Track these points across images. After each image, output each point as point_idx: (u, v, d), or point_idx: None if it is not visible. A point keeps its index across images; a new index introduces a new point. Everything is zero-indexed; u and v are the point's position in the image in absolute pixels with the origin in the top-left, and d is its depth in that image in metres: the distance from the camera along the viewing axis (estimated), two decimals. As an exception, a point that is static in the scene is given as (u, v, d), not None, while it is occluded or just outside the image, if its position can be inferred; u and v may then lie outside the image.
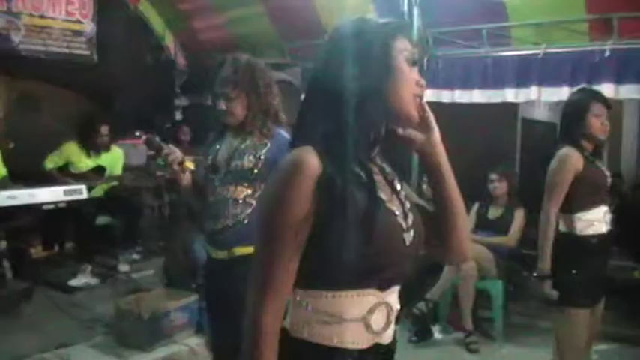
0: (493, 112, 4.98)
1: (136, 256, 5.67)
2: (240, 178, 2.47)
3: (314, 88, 1.34)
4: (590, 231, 2.83)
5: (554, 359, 2.88)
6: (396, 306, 1.34)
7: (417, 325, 4.65)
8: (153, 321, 3.56)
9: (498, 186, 4.84)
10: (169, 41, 6.83)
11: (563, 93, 4.47)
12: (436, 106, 5.10)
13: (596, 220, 2.83)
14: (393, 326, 1.35)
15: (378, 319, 1.29)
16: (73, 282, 4.80)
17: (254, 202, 2.46)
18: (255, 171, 2.46)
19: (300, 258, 1.24)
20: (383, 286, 1.29)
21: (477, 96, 4.96)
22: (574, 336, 2.81)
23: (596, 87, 4.38)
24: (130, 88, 6.31)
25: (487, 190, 4.91)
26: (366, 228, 1.21)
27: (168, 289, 3.89)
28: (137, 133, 5.78)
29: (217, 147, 2.54)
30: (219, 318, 2.62)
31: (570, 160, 2.80)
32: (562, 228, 2.89)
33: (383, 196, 1.29)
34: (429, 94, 5.20)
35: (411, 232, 1.31)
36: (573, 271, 2.82)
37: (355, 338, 1.28)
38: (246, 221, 2.45)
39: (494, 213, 4.89)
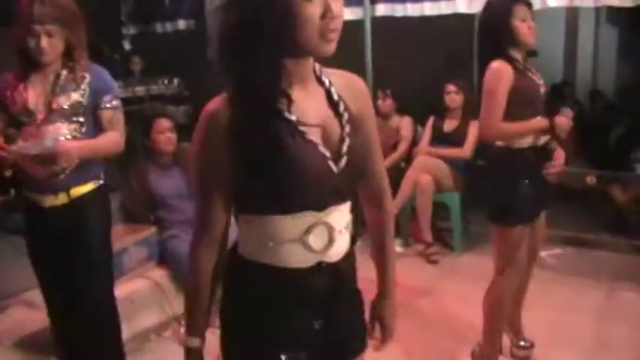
0: (449, 23, 4.90)
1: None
2: (69, 114, 2.46)
3: (220, 34, 1.31)
4: (525, 143, 2.73)
5: (496, 275, 2.88)
6: (340, 225, 1.38)
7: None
8: (113, 258, 3.54)
9: (455, 98, 4.83)
10: (113, -32, 6.55)
11: (515, 1, 4.40)
12: (391, 19, 5.09)
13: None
14: (339, 245, 1.38)
15: (317, 239, 1.34)
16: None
17: (85, 138, 2.49)
18: (84, 104, 2.49)
19: (233, 190, 1.33)
20: (319, 208, 1.33)
21: (429, 8, 4.86)
22: (512, 250, 2.79)
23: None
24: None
25: (443, 101, 4.90)
26: (278, 160, 1.26)
27: (127, 224, 3.86)
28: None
29: (21, 92, 2.46)
30: (61, 270, 2.62)
31: (502, 73, 2.64)
32: (498, 142, 2.80)
33: (303, 128, 1.30)
34: (382, 9, 5.13)
35: (343, 159, 1.33)
36: (513, 187, 2.73)
37: (295, 257, 1.34)
38: (78, 160, 2.45)
39: (449, 125, 4.90)
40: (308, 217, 1.32)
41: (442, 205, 4.80)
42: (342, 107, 1.37)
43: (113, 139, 2.58)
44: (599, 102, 7.05)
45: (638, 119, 6.20)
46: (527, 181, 2.74)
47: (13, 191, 5.29)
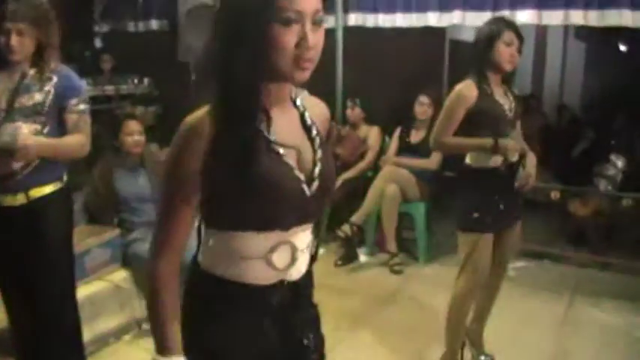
0: (420, 34, 4.96)
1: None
2: (30, 114, 2.44)
3: (205, 55, 1.39)
4: (490, 163, 2.83)
5: (458, 277, 2.98)
6: (303, 245, 1.41)
7: (344, 248, 4.77)
8: (75, 259, 3.49)
9: (427, 110, 4.86)
10: (85, -36, 6.46)
11: (486, 17, 4.39)
12: (362, 29, 5.12)
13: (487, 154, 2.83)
14: (300, 263, 1.41)
15: (281, 258, 1.36)
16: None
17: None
18: (46, 105, 2.46)
19: (202, 204, 1.32)
20: (285, 228, 1.35)
21: (400, 20, 4.92)
22: (472, 258, 2.89)
23: (519, 12, 4.44)
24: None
25: (412, 112, 4.94)
26: (255, 178, 1.26)
27: (90, 226, 3.82)
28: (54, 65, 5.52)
29: None
30: (19, 273, 2.59)
31: (462, 93, 2.79)
32: (467, 160, 2.93)
33: (281, 150, 1.32)
34: (354, 19, 5.17)
35: (315, 183, 1.35)
36: (468, 197, 2.89)
37: (258, 275, 1.36)
38: (38, 160, 2.45)
39: (416, 137, 4.94)
40: (274, 236, 1.34)
41: (407, 215, 4.84)
42: (314, 132, 1.41)
43: (77, 141, 2.55)
44: (566, 116, 7.19)
45: (601, 134, 6.34)
46: (496, 196, 2.86)
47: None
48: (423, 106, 4.87)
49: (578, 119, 7.18)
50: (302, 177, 1.33)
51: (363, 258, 4.86)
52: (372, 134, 5.15)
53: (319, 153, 1.39)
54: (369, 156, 5.09)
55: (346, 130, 5.18)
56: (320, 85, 5.73)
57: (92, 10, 6.62)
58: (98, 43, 6.81)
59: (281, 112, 1.36)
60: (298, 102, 1.42)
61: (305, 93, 1.54)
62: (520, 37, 2.83)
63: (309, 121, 1.41)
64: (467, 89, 2.80)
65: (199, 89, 1.34)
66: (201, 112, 1.29)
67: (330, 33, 5.06)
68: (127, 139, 3.81)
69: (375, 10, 5.05)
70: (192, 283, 1.43)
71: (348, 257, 4.76)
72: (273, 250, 1.34)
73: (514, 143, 2.84)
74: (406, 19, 4.88)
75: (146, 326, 3.61)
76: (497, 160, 2.83)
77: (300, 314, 1.46)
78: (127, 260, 3.76)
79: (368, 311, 3.95)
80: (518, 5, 4.44)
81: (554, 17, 4.39)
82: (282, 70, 1.25)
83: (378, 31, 5.10)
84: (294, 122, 1.40)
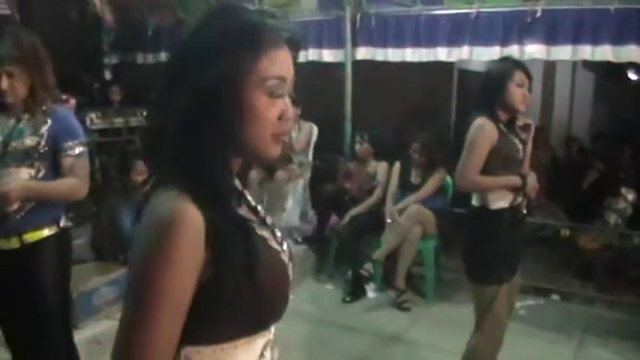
0: (429, 64, 4.98)
1: (67, 224, 5.53)
2: (23, 158, 2.39)
3: (171, 127, 1.06)
4: (503, 204, 2.78)
5: (475, 330, 2.89)
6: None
7: (351, 284, 4.74)
8: (82, 298, 3.50)
9: (418, 158, 4.87)
10: (95, -4, 6.52)
11: (494, 53, 4.50)
12: (369, 60, 5.14)
13: (508, 192, 2.79)
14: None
15: (267, 358, 1.18)
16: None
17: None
18: (40, 149, 2.41)
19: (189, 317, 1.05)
20: (268, 327, 1.17)
21: (410, 55, 4.95)
22: (493, 309, 2.79)
23: (527, 47, 4.45)
24: (54, 48, 5.96)
25: (408, 154, 4.94)
26: (260, 275, 1.06)
27: (97, 263, 3.83)
28: (64, 97, 5.55)
29: None
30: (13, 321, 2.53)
31: (486, 130, 2.72)
32: (475, 202, 2.86)
33: (264, 233, 1.15)
34: (363, 53, 5.20)
35: (291, 263, 1.20)
36: (488, 248, 2.76)
37: None
38: (33, 203, 2.40)
39: (415, 177, 4.94)
40: (260, 339, 1.14)
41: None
42: (262, 212, 1.25)
43: (70, 186, 2.48)
44: (574, 148, 7.16)
45: (611, 166, 6.30)
46: (503, 241, 2.76)
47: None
48: (415, 153, 4.89)
49: (586, 151, 7.14)
50: (286, 259, 1.17)
51: (371, 294, 4.82)
52: (380, 170, 5.13)
53: (277, 232, 1.23)
54: (378, 192, 5.07)
55: (354, 166, 5.17)
56: (328, 119, 5.78)
57: (101, 41, 6.67)
58: (108, 74, 6.84)
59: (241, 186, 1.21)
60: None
61: None
62: (529, 77, 2.81)
63: (252, 202, 1.24)
64: (489, 126, 2.74)
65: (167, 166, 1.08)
66: (181, 199, 1.01)
67: (339, 67, 5.18)
68: (137, 178, 3.82)
69: (384, 44, 5.07)
70: None
71: (357, 294, 4.72)
72: (262, 355, 1.15)
73: (535, 180, 2.83)
74: (415, 54, 4.91)
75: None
76: (507, 201, 2.78)
77: None
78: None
79: (377, 350, 3.92)
80: (527, 40, 4.46)
81: (562, 52, 4.40)
82: (260, 144, 1.09)
83: (385, 64, 5.12)
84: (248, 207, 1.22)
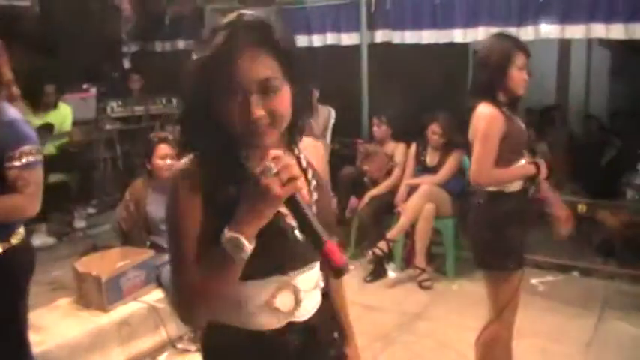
0: (444, 46, 5.01)
1: (91, 211, 5.69)
2: None
3: (186, 103, 1.36)
4: (517, 186, 2.73)
5: (491, 316, 2.82)
6: (308, 286, 1.38)
7: (373, 264, 4.81)
8: (111, 282, 3.60)
9: (438, 140, 4.92)
10: (113, -14, 6.59)
11: (510, 33, 4.50)
12: (384, 44, 5.18)
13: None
14: (307, 304, 1.39)
15: (283, 302, 1.34)
16: (29, 243, 4.73)
17: None
18: None
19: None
20: (284, 272, 1.34)
21: (427, 37, 4.99)
22: (510, 295, 2.74)
23: (542, 27, 4.47)
24: (74, 38, 6.05)
25: (426, 134, 4.97)
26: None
27: (124, 248, 3.91)
28: (84, 86, 5.65)
29: None
30: None
31: (496, 119, 2.64)
32: (490, 188, 2.76)
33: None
34: (380, 36, 5.24)
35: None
36: (509, 232, 2.70)
37: (262, 321, 1.34)
38: None
39: (432, 160, 5.00)
40: (273, 282, 1.33)
41: (436, 230, 4.86)
42: (310, 174, 1.40)
43: (12, 204, 2.19)
44: (592, 125, 7.13)
45: (629, 142, 6.27)
46: (523, 224, 2.76)
47: None
48: (435, 135, 4.92)
49: (604, 128, 7.11)
50: (294, 223, 1.26)
51: (392, 273, 4.89)
52: (398, 151, 5.19)
53: (315, 195, 1.38)
54: (396, 173, 5.13)
55: (373, 147, 5.22)
56: (346, 102, 5.83)
57: (120, 30, 6.74)
58: (127, 63, 6.91)
59: None
60: (293, 145, 1.40)
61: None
62: (529, 55, 2.71)
63: (304, 164, 1.40)
64: (497, 114, 2.65)
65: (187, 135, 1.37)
66: (188, 160, 1.31)
67: (355, 50, 5.22)
68: (160, 163, 3.89)
69: (401, 26, 5.11)
70: (205, 335, 1.42)
71: (378, 273, 4.80)
72: (274, 295, 1.33)
73: (544, 164, 2.79)
74: (432, 36, 4.94)
75: (180, 346, 3.70)
76: (519, 184, 2.75)
77: (318, 356, 1.44)
78: (160, 281, 3.85)
79: (399, 328, 3.99)
80: (542, 20, 4.48)
81: (577, 31, 4.43)
82: (239, 136, 1.26)
83: (402, 46, 5.16)
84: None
